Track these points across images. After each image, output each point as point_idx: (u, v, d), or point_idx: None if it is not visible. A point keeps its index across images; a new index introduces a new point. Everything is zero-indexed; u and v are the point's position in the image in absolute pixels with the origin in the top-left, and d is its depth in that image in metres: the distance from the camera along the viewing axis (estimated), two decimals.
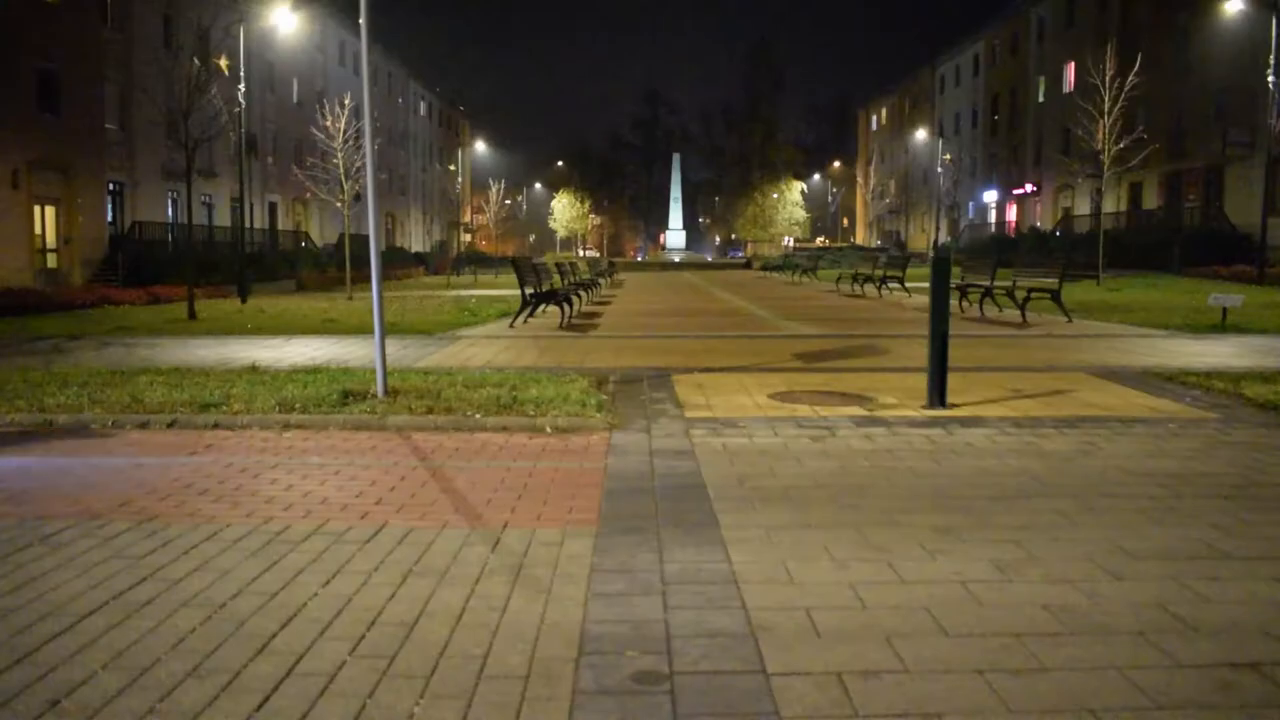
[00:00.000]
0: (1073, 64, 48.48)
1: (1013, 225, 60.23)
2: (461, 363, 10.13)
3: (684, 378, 8.85)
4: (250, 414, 6.84)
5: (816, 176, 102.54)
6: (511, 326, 14.87)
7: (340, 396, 7.32)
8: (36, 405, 7.12)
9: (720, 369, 9.55)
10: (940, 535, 4.18)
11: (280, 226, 47.94)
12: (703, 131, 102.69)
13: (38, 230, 29.97)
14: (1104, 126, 28.32)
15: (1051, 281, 15.77)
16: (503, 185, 70.22)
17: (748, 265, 60.64)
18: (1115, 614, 3.31)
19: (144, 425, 6.71)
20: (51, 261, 30.47)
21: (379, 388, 7.41)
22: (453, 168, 79.54)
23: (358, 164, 25.05)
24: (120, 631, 3.19)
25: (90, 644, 3.09)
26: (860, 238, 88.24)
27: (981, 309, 16.80)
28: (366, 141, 7.83)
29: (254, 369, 9.17)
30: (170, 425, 6.70)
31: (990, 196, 65.13)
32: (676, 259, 67.78)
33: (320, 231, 51.71)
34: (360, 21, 7.67)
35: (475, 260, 56.86)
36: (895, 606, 3.38)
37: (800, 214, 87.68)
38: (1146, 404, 7.42)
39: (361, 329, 14.08)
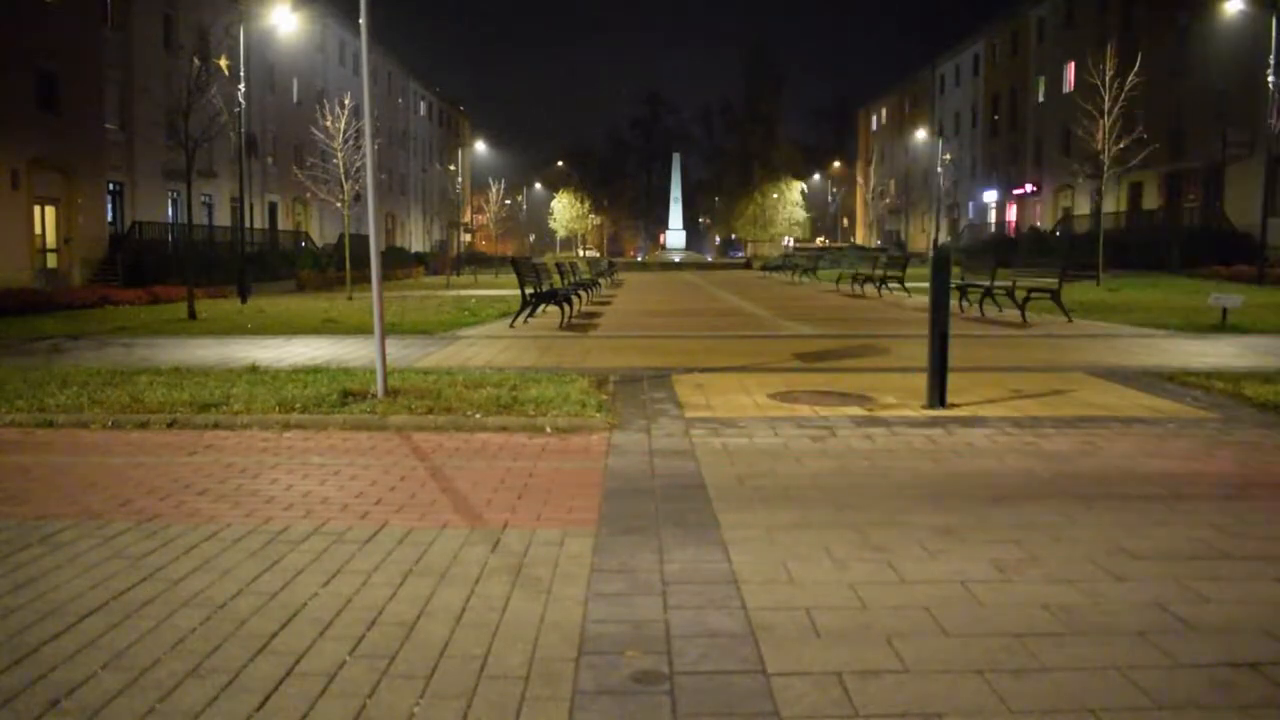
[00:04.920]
0: (1073, 64, 48.48)
1: (1013, 225, 60.27)
2: (461, 363, 10.13)
3: (684, 378, 8.85)
4: (250, 414, 6.83)
5: (816, 176, 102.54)
6: (511, 326, 14.87)
7: (340, 396, 7.32)
8: (36, 405, 7.12)
9: (720, 369, 9.54)
10: (940, 535, 4.18)
11: (280, 226, 47.97)
12: (703, 131, 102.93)
13: (38, 230, 29.99)
14: (1104, 126, 28.32)
15: (1051, 281, 15.77)
16: (503, 185, 70.20)
17: (748, 265, 60.61)
18: (1115, 614, 3.31)
19: (144, 425, 6.71)
20: (51, 261, 30.49)
21: (379, 388, 7.41)
22: (453, 168, 79.54)
23: (358, 164, 25.04)
24: (120, 631, 3.19)
25: (90, 644, 3.09)
26: (860, 238, 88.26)
27: (981, 309, 16.80)
28: (367, 141, 7.83)
29: (254, 369, 9.17)
30: (170, 425, 6.70)
31: (990, 196, 65.18)
32: (676, 259, 67.72)
33: (320, 231, 51.72)
34: (360, 21, 7.67)
35: (475, 260, 56.95)
36: (895, 606, 3.38)
37: (800, 214, 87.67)
38: (1146, 404, 7.42)
39: (361, 329, 14.08)
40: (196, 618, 3.31)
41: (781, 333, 14.29)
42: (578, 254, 79.95)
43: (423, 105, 77.70)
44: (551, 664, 2.93)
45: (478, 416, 6.73)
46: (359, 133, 23.98)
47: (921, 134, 72.04)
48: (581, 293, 19.79)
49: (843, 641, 3.08)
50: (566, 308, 15.56)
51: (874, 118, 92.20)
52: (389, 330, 11.50)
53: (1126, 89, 28.10)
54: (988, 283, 17.00)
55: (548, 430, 6.50)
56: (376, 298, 7.62)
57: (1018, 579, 3.66)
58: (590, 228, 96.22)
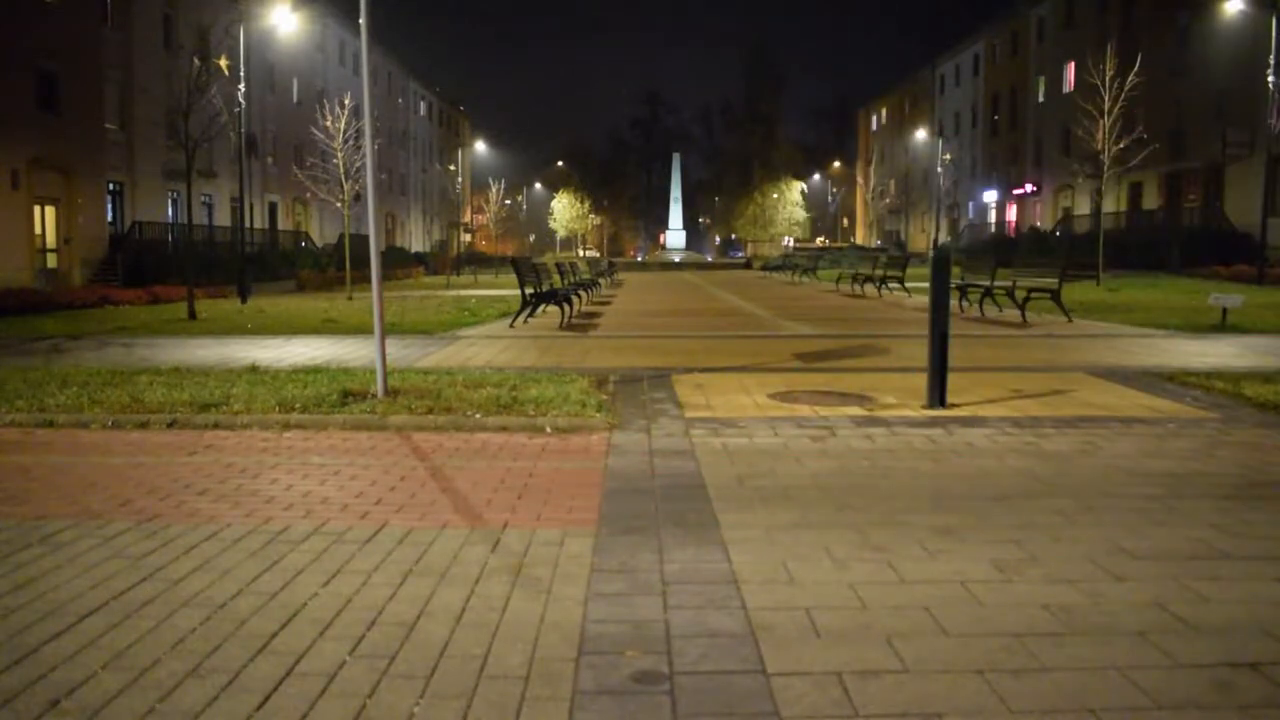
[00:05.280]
0: (1073, 64, 48.50)
1: (1013, 225, 60.29)
2: (461, 363, 10.13)
3: (684, 378, 8.85)
4: (250, 414, 6.83)
5: (816, 176, 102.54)
6: (511, 326, 14.88)
7: (340, 396, 7.32)
8: (36, 405, 7.12)
9: (720, 369, 9.54)
10: (940, 535, 4.18)
11: (280, 226, 47.98)
12: (703, 131, 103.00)
13: (38, 230, 29.98)
14: (1104, 126, 28.32)
15: (1051, 281, 15.76)
16: (503, 185, 70.18)
17: (748, 265, 60.63)
18: (1115, 614, 3.31)
19: (144, 425, 6.71)
20: (51, 261, 30.48)
21: (379, 388, 7.41)
22: (453, 168, 79.54)
23: (358, 164, 25.04)
24: (120, 631, 3.19)
25: (90, 644, 3.09)
26: (860, 238, 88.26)
27: (981, 309, 16.80)
28: (367, 141, 7.83)
29: (254, 369, 9.17)
30: (170, 425, 6.70)
31: (990, 196, 65.18)
32: (676, 259, 67.74)
33: (320, 231, 51.73)
34: (360, 21, 7.67)
35: (475, 260, 56.93)
36: (895, 606, 3.38)
37: (800, 214, 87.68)
38: (1146, 404, 7.42)
39: (361, 329, 14.08)
40: (196, 618, 3.31)
41: (781, 333, 14.29)
42: (578, 254, 79.95)
43: (423, 105, 77.69)
44: (551, 664, 2.93)
45: (478, 416, 6.73)
46: (359, 133, 23.98)
47: (921, 134, 72.03)
48: (581, 293, 19.79)
49: (843, 641, 3.08)
50: (566, 308, 15.56)
51: (874, 118, 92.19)
52: (389, 330, 11.50)
53: (1126, 89, 28.10)
54: (988, 283, 17.00)
55: (548, 430, 6.50)
56: (376, 298, 7.62)
57: (1018, 579, 3.66)
58: (590, 228, 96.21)
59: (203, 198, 39.28)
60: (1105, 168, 28.75)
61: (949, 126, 70.68)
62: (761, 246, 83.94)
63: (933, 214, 63.70)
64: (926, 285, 7.78)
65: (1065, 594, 3.49)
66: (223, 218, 40.96)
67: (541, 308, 15.82)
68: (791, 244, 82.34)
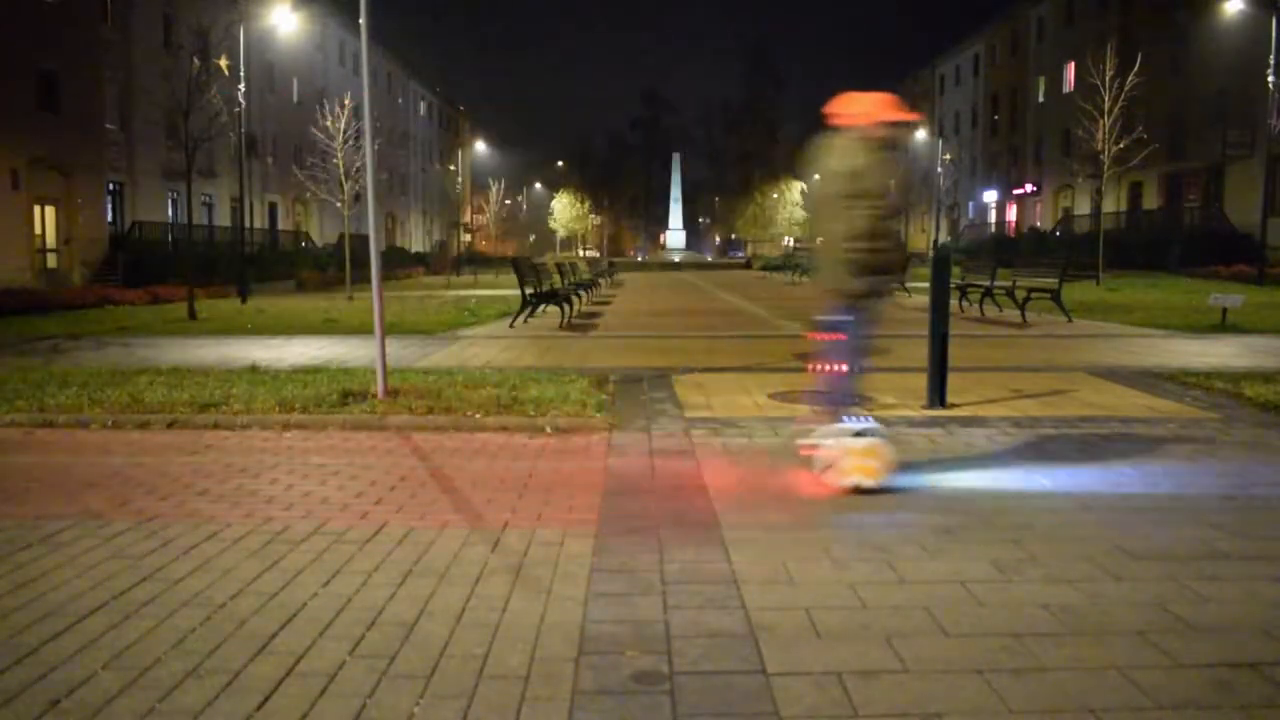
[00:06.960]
0: (1073, 64, 48.48)
1: (1013, 225, 60.28)
2: (462, 363, 10.13)
3: (684, 378, 8.85)
4: (250, 414, 6.83)
5: (817, 176, 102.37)
6: (511, 326, 14.88)
7: (340, 396, 7.32)
8: (36, 405, 7.12)
9: (720, 369, 9.54)
10: (940, 535, 4.18)
11: (280, 226, 47.97)
12: (703, 131, 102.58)
13: (38, 230, 29.98)
14: (1104, 126, 28.33)
15: (1051, 281, 15.77)
16: (503, 185, 70.18)
17: (748, 265, 60.63)
18: (1115, 614, 3.31)
19: (144, 425, 6.71)
20: (51, 261, 30.48)
21: (379, 388, 7.40)
22: (453, 168, 79.52)
23: (358, 164, 25.03)
24: (120, 631, 3.19)
25: (90, 644, 3.09)
26: None
27: (981, 309, 16.80)
28: (366, 141, 7.82)
29: (254, 369, 9.16)
30: (170, 425, 6.70)
31: (990, 196, 65.17)
32: (676, 259, 67.77)
33: (320, 231, 51.70)
34: (360, 21, 7.66)
35: (475, 260, 56.95)
36: (895, 606, 3.38)
37: (800, 214, 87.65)
38: (1146, 404, 7.42)
39: (361, 329, 14.08)
40: (196, 618, 3.31)
41: (781, 333, 14.29)
42: (578, 254, 79.93)
43: (423, 105, 77.66)
44: (551, 664, 2.93)
45: (478, 416, 6.73)
46: (359, 133, 23.97)
47: (921, 134, 72.00)
48: (581, 293, 19.79)
49: (843, 641, 3.08)
50: (566, 308, 15.56)
51: None
52: (389, 330, 11.49)
53: (1126, 89, 28.10)
54: (988, 283, 17.00)
55: (548, 430, 6.50)
56: (376, 298, 7.62)
57: (1017, 579, 3.66)
58: (590, 228, 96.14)
59: (203, 198, 39.27)
60: (1105, 168, 28.76)
61: (949, 126, 70.68)
62: (761, 246, 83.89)
63: (933, 214, 63.68)
64: (926, 285, 7.77)
65: (1065, 594, 3.49)
66: (223, 218, 40.95)
67: (541, 308, 15.82)
68: (791, 244, 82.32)
